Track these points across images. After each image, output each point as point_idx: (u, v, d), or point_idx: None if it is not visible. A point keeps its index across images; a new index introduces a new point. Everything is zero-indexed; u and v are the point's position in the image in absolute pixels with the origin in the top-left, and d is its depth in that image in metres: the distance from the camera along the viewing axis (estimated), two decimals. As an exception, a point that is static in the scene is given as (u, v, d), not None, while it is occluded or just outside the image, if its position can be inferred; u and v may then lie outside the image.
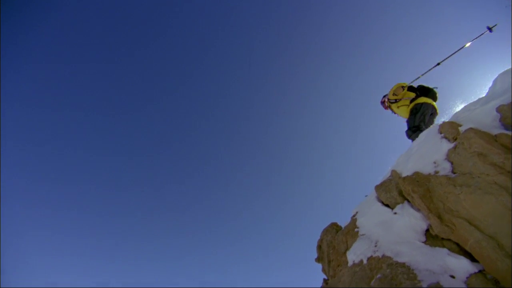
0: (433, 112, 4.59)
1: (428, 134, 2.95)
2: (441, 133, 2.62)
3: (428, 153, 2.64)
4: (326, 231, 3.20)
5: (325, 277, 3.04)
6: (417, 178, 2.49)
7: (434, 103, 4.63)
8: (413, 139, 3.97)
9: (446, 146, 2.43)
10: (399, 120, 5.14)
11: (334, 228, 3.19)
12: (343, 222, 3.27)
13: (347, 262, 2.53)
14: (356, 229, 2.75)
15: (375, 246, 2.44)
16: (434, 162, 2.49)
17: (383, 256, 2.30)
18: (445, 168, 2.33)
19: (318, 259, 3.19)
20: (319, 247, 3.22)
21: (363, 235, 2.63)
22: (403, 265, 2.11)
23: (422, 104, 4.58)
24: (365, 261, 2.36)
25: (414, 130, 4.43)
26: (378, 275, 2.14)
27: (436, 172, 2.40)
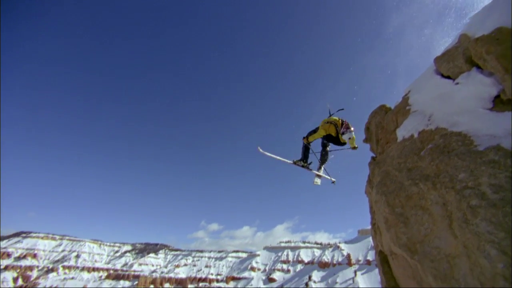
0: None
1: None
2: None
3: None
4: (374, 113, 3.13)
5: (373, 155, 3.22)
6: (498, 35, 2.04)
7: None
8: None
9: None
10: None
11: (383, 109, 3.09)
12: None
13: (396, 139, 2.58)
14: (407, 107, 2.63)
15: (429, 120, 2.37)
16: (529, 9, 1.93)
17: (437, 128, 2.25)
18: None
19: (366, 140, 3.31)
20: (367, 128, 3.26)
21: (415, 111, 2.52)
22: (459, 133, 2.05)
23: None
24: (416, 135, 2.37)
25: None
26: (429, 146, 2.16)
27: (529, 21, 1.90)
